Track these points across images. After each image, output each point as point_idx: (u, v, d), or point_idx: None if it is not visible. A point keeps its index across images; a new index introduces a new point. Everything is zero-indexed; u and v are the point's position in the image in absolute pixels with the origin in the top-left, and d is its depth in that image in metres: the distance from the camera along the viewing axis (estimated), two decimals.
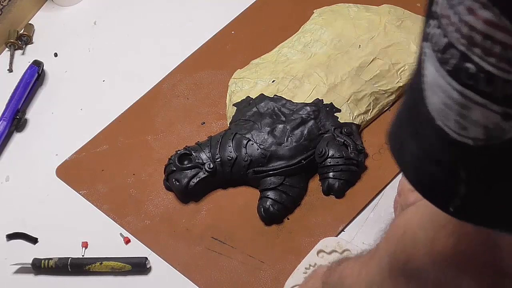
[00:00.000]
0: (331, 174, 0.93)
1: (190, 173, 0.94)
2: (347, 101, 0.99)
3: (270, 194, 0.93)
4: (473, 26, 0.34)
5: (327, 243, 0.88)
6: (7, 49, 1.21)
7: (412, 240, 0.50)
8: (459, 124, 0.36)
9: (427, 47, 0.37)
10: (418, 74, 0.38)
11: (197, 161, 0.95)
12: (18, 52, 1.21)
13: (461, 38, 0.34)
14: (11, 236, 0.96)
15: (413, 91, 0.39)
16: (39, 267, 0.92)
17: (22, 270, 0.93)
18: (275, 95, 1.00)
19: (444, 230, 0.47)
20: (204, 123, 1.04)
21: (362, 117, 1.00)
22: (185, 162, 0.95)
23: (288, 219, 0.93)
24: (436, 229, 0.47)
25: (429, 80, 0.37)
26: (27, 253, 0.94)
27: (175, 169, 0.95)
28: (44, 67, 1.16)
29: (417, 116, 0.39)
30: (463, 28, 0.34)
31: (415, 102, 0.39)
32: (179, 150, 0.97)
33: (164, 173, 0.97)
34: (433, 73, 0.37)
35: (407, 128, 0.41)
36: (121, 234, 0.94)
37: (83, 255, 0.93)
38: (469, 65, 0.34)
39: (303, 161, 0.94)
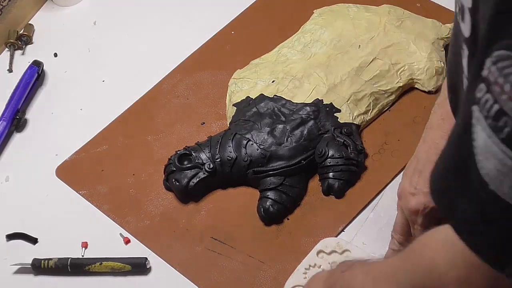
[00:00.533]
0: (331, 174, 0.93)
1: (190, 173, 0.94)
2: (347, 101, 0.99)
3: (270, 194, 0.93)
4: None
5: (327, 243, 0.88)
6: (7, 49, 1.21)
7: (442, 277, 0.48)
8: None
9: (476, 111, 0.37)
10: (465, 134, 0.38)
11: (197, 161, 0.95)
12: (18, 52, 1.21)
13: None
14: (11, 236, 0.96)
15: (461, 150, 0.39)
16: (39, 267, 0.92)
17: (22, 270, 0.93)
18: (275, 95, 1.00)
19: (478, 272, 0.44)
20: (204, 123, 1.04)
21: (362, 117, 1.00)
22: (185, 162, 0.95)
23: (288, 219, 0.93)
24: (469, 270, 0.45)
25: (480, 145, 0.37)
26: (27, 253, 0.94)
27: (175, 169, 0.95)
28: (44, 67, 1.16)
29: (468, 178, 0.39)
30: None
31: (465, 163, 0.38)
32: (179, 150, 0.97)
33: (164, 173, 0.97)
34: (484, 138, 0.37)
35: (456, 186, 0.41)
36: (121, 234, 0.94)
37: (83, 256, 0.93)
38: None
39: (303, 161, 0.94)
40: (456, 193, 0.42)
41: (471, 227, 0.41)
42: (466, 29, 0.42)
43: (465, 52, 0.45)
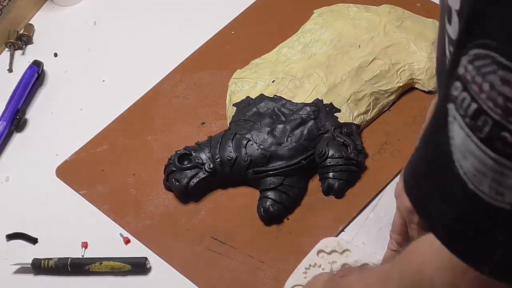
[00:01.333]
0: (331, 174, 0.93)
1: (190, 173, 0.95)
2: (347, 101, 0.99)
3: (270, 194, 0.93)
4: (508, 97, 0.33)
5: (327, 243, 0.88)
6: (7, 49, 1.21)
7: (429, 282, 0.48)
8: (495, 190, 0.36)
9: (452, 109, 0.36)
10: (440, 131, 0.37)
11: (197, 161, 0.95)
12: (18, 52, 1.21)
13: (496, 107, 0.34)
14: (11, 236, 0.96)
15: (435, 148, 0.38)
16: (39, 267, 0.92)
17: (22, 270, 0.93)
18: (275, 95, 1.00)
19: (464, 277, 0.44)
20: (204, 123, 1.04)
21: (362, 117, 1.00)
22: (185, 162, 0.95)
23: (288, 219, 0.93)
24: (456, 275, 0.44)
25: (458, 144, 0.37)
26: (27, 253, 0.94)
27: (175, 169, 0.95)
28: (44, 67, 1.16)
29: (444, 176, 0.38)
30: (498, 98, 0.34)
31: (440, 162, 0.38)
32: (179, 150, 0.97)
33: (164, 173, 0.97)
34: (463, 137, 0.36)
35: (431, 186, 0.40)
36: (121, 234, 0.94)
37: (83, 255, 0.93)
38: (505, 134, 0.34)
39: (303, 161, 0.94)
40: (431, 193, 0.41)
41: (450, 228, 0.40)
42: (452, 31, 0.42)
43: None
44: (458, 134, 0.36)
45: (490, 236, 0.38)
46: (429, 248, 0.46)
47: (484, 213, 0.37)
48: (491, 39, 0.33)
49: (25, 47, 1.21)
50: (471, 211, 0.38)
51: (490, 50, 0.33)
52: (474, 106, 0.35)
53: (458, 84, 0.36)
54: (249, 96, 1.02)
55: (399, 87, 1.02)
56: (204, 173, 0.94)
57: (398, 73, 1.02)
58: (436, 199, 0.40)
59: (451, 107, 0.36)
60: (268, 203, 0.92)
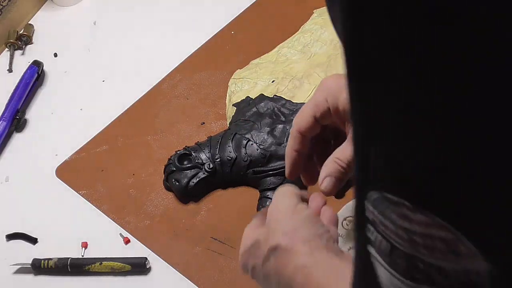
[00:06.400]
0: None
1: (189, 173, 0.95)
2: None
3: (270, 194, 0.93)
4: (410, 230, 0.34)
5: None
6: (7, 49, 1.21)
7: None
8: None
9: (373, 251, 0.37)
10: (368, 273, 0.39)
11: (196, 161, 0.95)
12: (18, 52, 1.21)
13: (404, 242, 0.35)
14: (10, 236, 0.96)
15: (368, 285, 0.40)
16: (38, 267, 0.92)
17: (21, 270, 0.93)
18: (275, 95, 1.00)
19: None
20: (204, 123, 1.04)
21: None
22: (185, 162, 0.95)
23: None
24: None
25: (385, 282, 0.38)
26: (26, 253, 0.94)
27: (174, 169, 0.95)
28: (44, 67, 1.16)
29: None
30: (401, 234, 0.35)
31: None
32: (178, 150, 0.97)
33: (164, 173, 0.97)
34: (386, 275, 0.37)
35: None
36: (120, 234, 0.94)
37: (82, 255, 0.93)
38: (418, 263, 0.35)
39: None
40: None
41: None
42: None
43: None
44: (383, 273, 0.38)
45: None
46: None
47: None
48: (378, 180, 0.35)
49: (25, 47, 1.21)
50: None
51: (380, 190, 0.35)
52: (387, 245, 0.36)
53: (369, 227, 0.37)
54: (249, 96, 1.02)
55: None
56: (204, 173, 0.94)
57: None
58: None
59: (371, 250, 0.38)
60: (268, 203, 0.92)
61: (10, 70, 1.18)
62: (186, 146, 0.98)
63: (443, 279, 0.35)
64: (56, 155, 1.05)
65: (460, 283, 0.35)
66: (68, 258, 0.92)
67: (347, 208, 0.88)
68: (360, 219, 0.38)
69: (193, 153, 0.96)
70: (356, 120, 0.35)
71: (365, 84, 0.34)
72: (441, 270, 0.35)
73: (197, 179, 0.94)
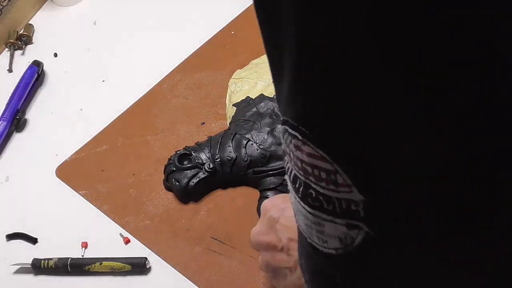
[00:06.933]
0: None
1: (189, 173, 0.95)
2: None
3: (270, 194, 0.93)
4: (302, 160, 0.40)
5: None
6: (7, 49, 1.21)
7: None
8: (320, 239, 0.42)
9: (287, 178, 0.43)
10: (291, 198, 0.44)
11: (196, 161, 0.95)
12: (18, 52, 1.21)
13: (299, 170, 0.40)
14: (11, 236, 0.96)
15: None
16: (38, 267, 0.92)
17: (21, 270, 0.93)
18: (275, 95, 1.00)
19: None
20: (204, 123, 1.04)
21: None
22: (185, 162, 0.95)
23: None
24: None
25: (294, 207, 0.44)
26: (26, 253, 0.94)
27: (174, 169, 0.95)
28: (44, 67, 1.16)
29: (300, 235, 0.45)
30: (298, 162, 0.40)
31: (296, 223, 0.45)
32: (178, 150, 0.97)
33: (164, 173, 0.97)
34: (293, 200, 0.43)
35: (299, 245, 0.47)
36: (121, 234, 0.95)
37: (82, 255, 0.93)
38: (311, 191, 0.40)
39: None
40: (300, 252, 0.48)
41: (311, 277, 0.47)
42: None
43: None
44: (292, 198, 0.43)
45: (332, 278, 0.44)
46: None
47: (322, 259, 0.43)
48: (283, 115, 0.40)
49: (25, 47, 1.21)
50: (316, 260, 0.45)
51: (285, 124, 0.40)
52: (293, 172, 0.41)
53: (286, 157, 0.43)
54: (249, 96, 1.02)
55: None
56: (204, 173, 0.94)
57: None
58: (302, 257, 0.47)
59: (286, 177, 0.43)
60: None
61: (10, 70, 1.18)
62: (186, 146, 0.98)
63: (328, 206, 0.40)
64: (56, 155, 1.05)
65: (342, 210, 0.40)
66: (68, 258, 0.92)
67: None
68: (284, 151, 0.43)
69: (193, 153, 0.96)
70: (268, 60, 0.43)
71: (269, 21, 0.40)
72: (327, 197, 0.40)
73: (197, 179, 0.94)
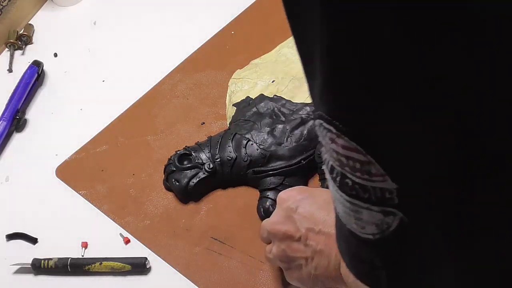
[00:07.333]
0: None
1: (189, 173, 0.95)
2: None
3: (270, 194, 0.93)
4: (337, 152, 0.42)
5: None
6: (7, 49, 1.21)
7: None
8: (358, 225, 0.45)
9: (325, 169, 0.45)
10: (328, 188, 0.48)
11: (196, 161, 0.95)
12: (18, 52, 1.21)
13: (335, 161, 0.43)
14: (11, 236, 0.96)
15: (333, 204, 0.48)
16: (38, 267, 0.92)
17: (21, 270, 0.93)
18: (275, 95, 1.00)
19: None
20: (204, 123, 1.04)
21: None
22: (185, 162, 0.95)
23: None
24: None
25: (332, 195, 0.46)
26: (27, 253, 0.94)
27: (174, 169, 0.95)
28: (44, 67, 1.16)
29: (339, 222, 0.48)
30: (333, 154, 0.43)
31: (335, 210, 0.48)
32: (178, 150, 0.97)
33: (164, 173, 0.97)
34: (332, 189, 0.45)
35: (338, 231, 0.50)
36: (120, 234, 0.95)
37: (82, 255, 0.93)
38: (347, 180, 0.43)
39: (302, 161, 0.94)
40: (338, 237, 0.51)
41: (351, 261, 0.50)
42: None
43: None
44: (330, 187, 0.46)
45: (372, 262, 0.47)
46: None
47: (361, 244, 0.46)
48: (317, 109, 0.43)
49: (25, 47, 1.21)
50: (355, 245, 0.47)
51: (319, 119, 0.42)
52: (330, 163, 0.44)
53: (322, 148, 0.45)
54: (249, 96, 1.02)
55: None
56: (204, 173, 0.94)
57: None
58: (342, 242, 0.50)
59: (324, 167, 0.46)
60: (268, 203, 0.92)
61: (10, 70, 1.18)
62: (186, 146, 0.98)
63: (364, 194, 0.42)
64: (56, 155, 1.05)
65: (377, 198, 0.42)
66: (68, 258, 0.92)
67: None
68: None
69: (193, 153, 0.96)
70: (300, 57, 0.44)
71: (303, 25, 0.41)
72: (362, 186, 0.42)
73: (197, 179, 0.94)
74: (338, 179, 0.43)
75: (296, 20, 0.44)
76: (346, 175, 0.43)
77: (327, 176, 0.45)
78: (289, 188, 0.80)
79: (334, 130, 0.41)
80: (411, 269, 0.46)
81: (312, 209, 0.75)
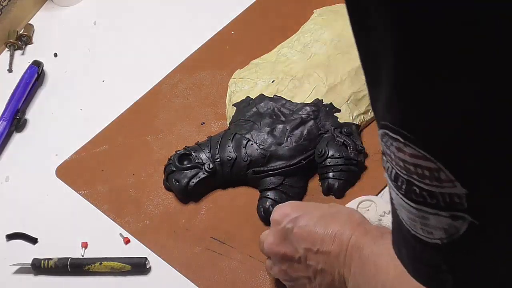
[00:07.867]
0: (331, 174, 0.93)
1: (189, 173, 0.95)
2: (347, 101, 0.99)
3: (270, 194, 0.93)
4: (404, 160, 0.43)
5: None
6: (7, 49, 1.21)
7: None
8: (425, 230, 0.46)
9: (387, 177, 0.46)
10: (390, 197, 0.49)
11: (196, 161, 0.95)
12: (18, 52, 1.21)
13: (401, 169, 0.44)
14: (11, 236, 0.96)
15: (392, 209, 0.49)
16: (38, 267, 0.92)
17: (21, 270, 0.93)
18: (275, 95, 1.00)
19: None
20: (204, 123, 1.04)
21: (362, 117, 1.00)
22: (185, 162, 0.95)
23: None
24: None
25: (395, 202, 0.47)
26: (26, 253, 0.94)
27: (174, 169, 0.95)
28: (44, 67, 1.16)
29: (400, 228, 0.49)
30: (400, 163, 0.44)
31: (396, 217, 0.49)
32: (178, 150, 0.97)
33: (164, 173, 0.97)
34: (395, 196, 0.46)
35: (398, 237, 0.51)
36: (121, 234, 0.94)
37: (83, 255, 0.93)
38: (414, 187, 0.44)
39: (302, 161, 0.94)
40: (399, 242, 0.51)
41: (412, 265, 0.50)
42: None
43: None
44: (393, 194, 0.47)
45: (437, 266, 0.47)
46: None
47: (427, 249, 0.47)
48: (382, 120, 0.44)
49: (25, 47, 1.21)
50: (420, 251, 0.48)
51: (385, 128, 0.43)
52: (393, 172, 0.45)
53: (384, 157, 0.46)
54: (249, 96, 1.02)
55: None
56: (204, 173, 0.94)
57: None
58: (402, 247, 0.51)
59: (386, 175, 0.46)
60: (268, 203, 0.92)
61: (10, 70, 1.18)
62: (186, 146, 0.98)
63: (432, 200, 0.43)
64: (56, 155, 1.05)
65: (446, 203, 0.43)
66: (68, 258, 0.92)
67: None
68: (382, 152, 0.47)
69: (193, 153, 0.96)
70: (364, 68, 0.44)
71: (368, 38, 0.42)
72: (430, 193, 0.43)
73: (197, 179, 0.94)
74: (403, 187, 0.44)
75: (363, 33, 0.44)
76: (413, 183, 0.43)
77: (389, 183, 0.46)
78: (281, 205, 0.80)
79: (401, 139, 0.42)
80: (479, 272, 0.46)
81: (308, 228, 0.75)
